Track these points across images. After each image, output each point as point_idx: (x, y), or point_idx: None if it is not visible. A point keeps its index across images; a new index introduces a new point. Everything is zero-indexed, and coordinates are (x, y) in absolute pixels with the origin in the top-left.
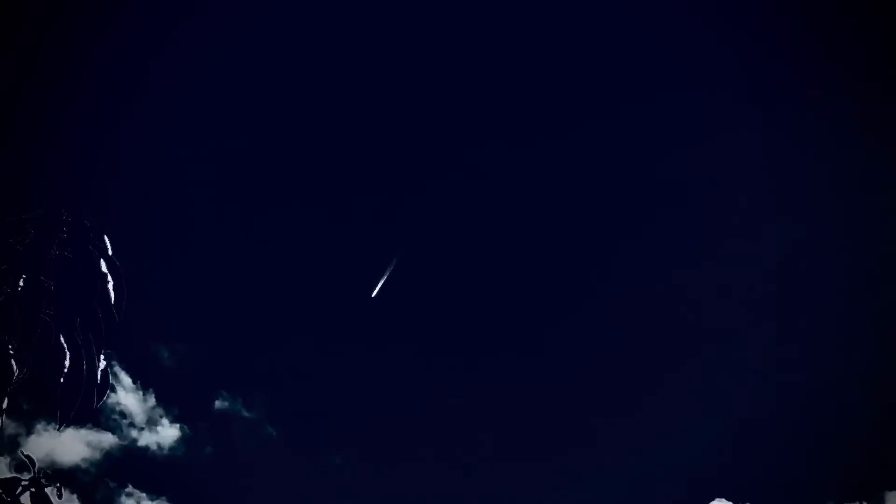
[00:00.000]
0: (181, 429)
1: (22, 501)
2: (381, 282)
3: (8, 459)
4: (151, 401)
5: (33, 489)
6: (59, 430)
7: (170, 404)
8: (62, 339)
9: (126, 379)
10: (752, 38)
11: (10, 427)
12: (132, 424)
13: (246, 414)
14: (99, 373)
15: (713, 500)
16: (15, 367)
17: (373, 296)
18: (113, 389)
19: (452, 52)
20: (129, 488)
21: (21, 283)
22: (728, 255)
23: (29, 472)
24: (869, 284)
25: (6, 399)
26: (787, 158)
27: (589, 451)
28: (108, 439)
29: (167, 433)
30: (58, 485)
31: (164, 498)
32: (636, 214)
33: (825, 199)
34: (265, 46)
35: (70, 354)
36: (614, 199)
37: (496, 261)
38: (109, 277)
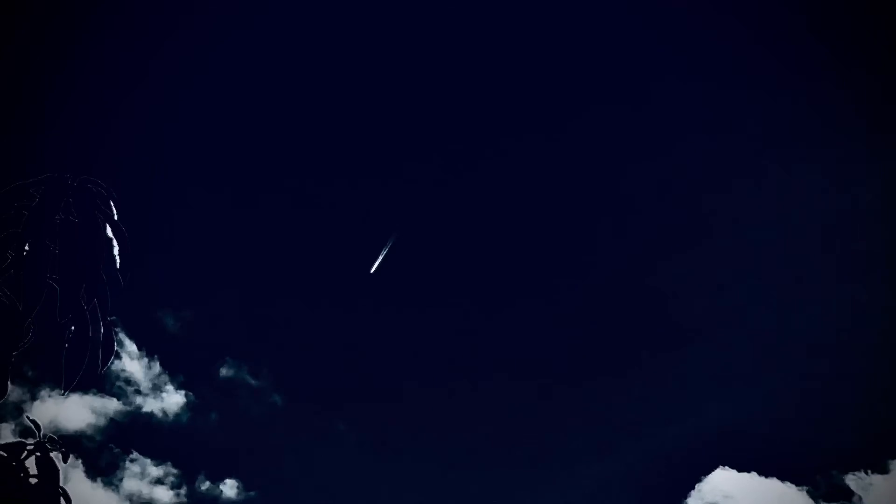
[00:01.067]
0: (186, 395)
1: (27, 466)
2: (380, 258)
3: (13, 425)
4: (156, 368)
5: (38, 454)
6: (63, 395)
7: (175, 371)
8: (67, 305)
9: (131, 346)
10: (752, 32)
11: (15, 393)
12: (137, 391)
13: (251, 381)
14: (104, 339)
15: (717, 468)
16: (20, 332)
17: (371, 272)
18: (118, 356)
19: (451, 36)
20: (134, 454)
21: (26, 248)
22: (739, 240)
23: (34, 437)
24: (870, 270)
25: (11, 364)
26: (784, 152)
27: (591, 422)
28: (112, 405)
29: (172, 399)
30: (63, 450)
31: (168, 463)
32: (639, 203)
33: (825, 193)
34: (277, 19)
35: (75, 320)
36: (616, 190)
37: (492, 244)
38: (115, 243)
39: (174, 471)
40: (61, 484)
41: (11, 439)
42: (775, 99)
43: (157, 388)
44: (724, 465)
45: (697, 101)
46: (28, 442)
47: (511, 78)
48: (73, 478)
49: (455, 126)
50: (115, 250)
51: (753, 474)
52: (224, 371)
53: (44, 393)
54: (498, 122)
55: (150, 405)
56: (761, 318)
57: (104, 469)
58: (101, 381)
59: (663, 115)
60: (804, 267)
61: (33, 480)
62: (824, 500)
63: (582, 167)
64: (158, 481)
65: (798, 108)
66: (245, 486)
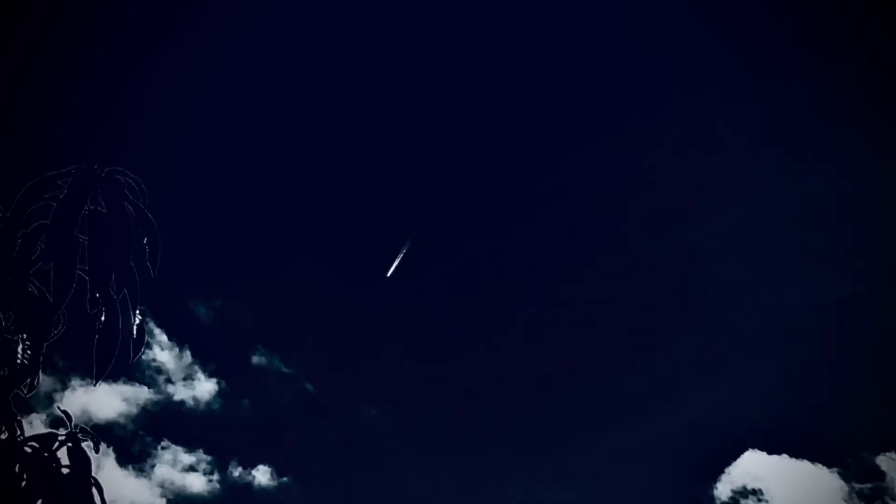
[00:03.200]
0: (218, 383)
1: (58, 456)
2: (396, 262)
3: (44, 415)
4: (187, 357)
5: (70, 444)
6: (94, 385)
7: (206, 360)
8: (97, 296)
9: (162, 336)
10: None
11: (46, 383)
12: (168, 380)
13: (283, 369)
14: (134, 329)
15: (746, 451)
16: (50, 323)
17: (388, 275)
18: (149, 346)
19: (462, 33)
20: (166, 442)
21: (55, 240)
22: (750, 210)
23: (65, 427)
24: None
25: (42, 355)
26: (781, 142)
27: (615, 403)
28: (144, 394)
29: (204, 388)
30: (94, 439)
31: (200, 450)
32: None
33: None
34: (284, 19)
35: (105, 310)
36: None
37: (504, 233)
38: (144, 233)
39: (206, 458)
40: (93, 473)
41: (43, 430)
42: (773, 88)
43: (188, 377)
44: (753, 448)
45: (695, 88)
46: (59, 432)
47: (513, 73)
48: (105, 465)
49: (472, 126)
50: (145, 241)
51: (784, 456)
52: (256, 359)
53: (75, 382)
54: (500, 116)
55: (182, 393)
56: (789, 300)
57: (136, 457)
58: (132, 370)
59: (659, 109)
60: (831, 248)
61: (65, 470)
62: (856, 482)
63: (582, 162)
64: (191, 468)
65: (796, 98)
66: (278, 472)
